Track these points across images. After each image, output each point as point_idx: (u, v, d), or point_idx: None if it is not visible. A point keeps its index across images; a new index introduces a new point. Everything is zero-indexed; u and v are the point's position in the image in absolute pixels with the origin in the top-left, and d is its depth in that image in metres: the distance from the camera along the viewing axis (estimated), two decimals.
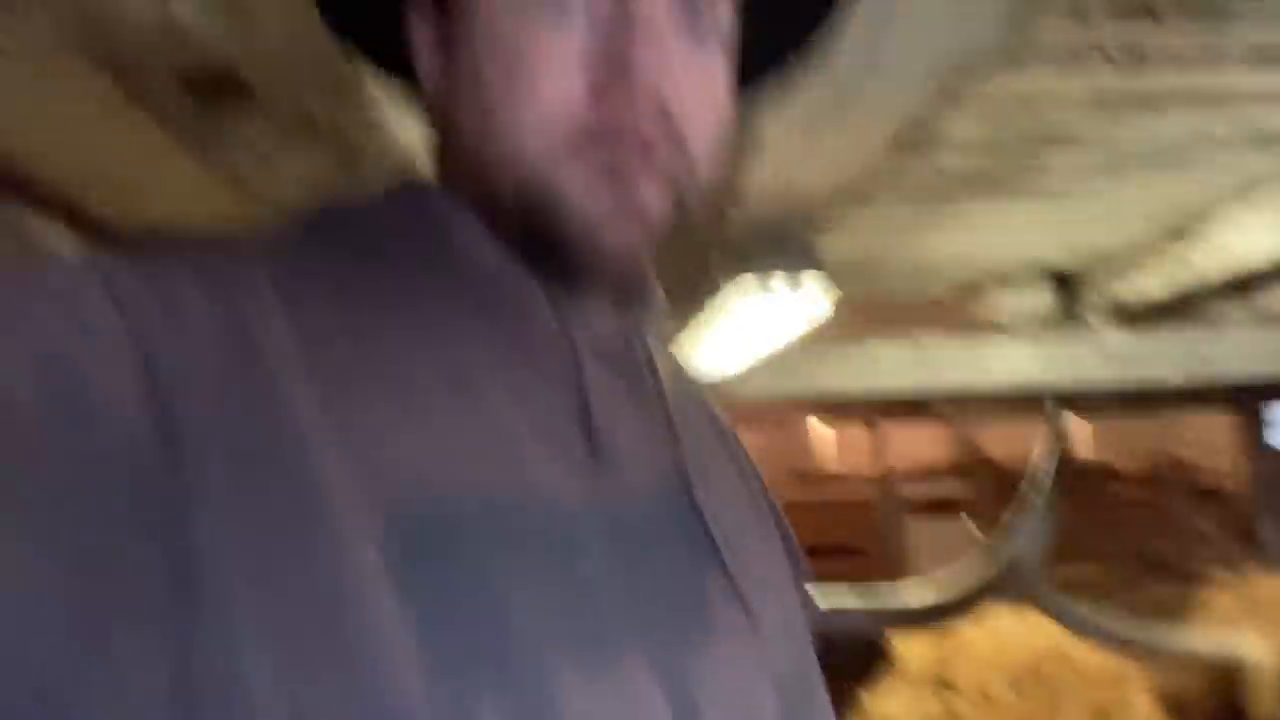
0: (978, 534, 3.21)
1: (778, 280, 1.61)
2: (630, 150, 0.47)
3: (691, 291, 1.93)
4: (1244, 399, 3.56)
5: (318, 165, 1.33)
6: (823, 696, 0.57)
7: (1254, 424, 3.67)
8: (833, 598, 2.08)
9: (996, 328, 2.96)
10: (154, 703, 0.35)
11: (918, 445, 6.18)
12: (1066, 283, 2.78)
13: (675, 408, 0.54)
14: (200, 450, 0.37)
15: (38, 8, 0.95)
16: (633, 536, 0.47)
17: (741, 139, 1.41)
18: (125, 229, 2.13)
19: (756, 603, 0.51)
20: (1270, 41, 1.39)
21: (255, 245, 0.48)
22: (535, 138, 0.46)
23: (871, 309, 3.30)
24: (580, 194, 0.46)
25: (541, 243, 0.48)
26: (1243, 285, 2.46)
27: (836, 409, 5.00)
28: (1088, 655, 2.54)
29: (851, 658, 2.28)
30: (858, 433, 6.05)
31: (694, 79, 0.49)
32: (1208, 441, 4.32)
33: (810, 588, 0.64)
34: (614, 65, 0.46)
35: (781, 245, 1.59)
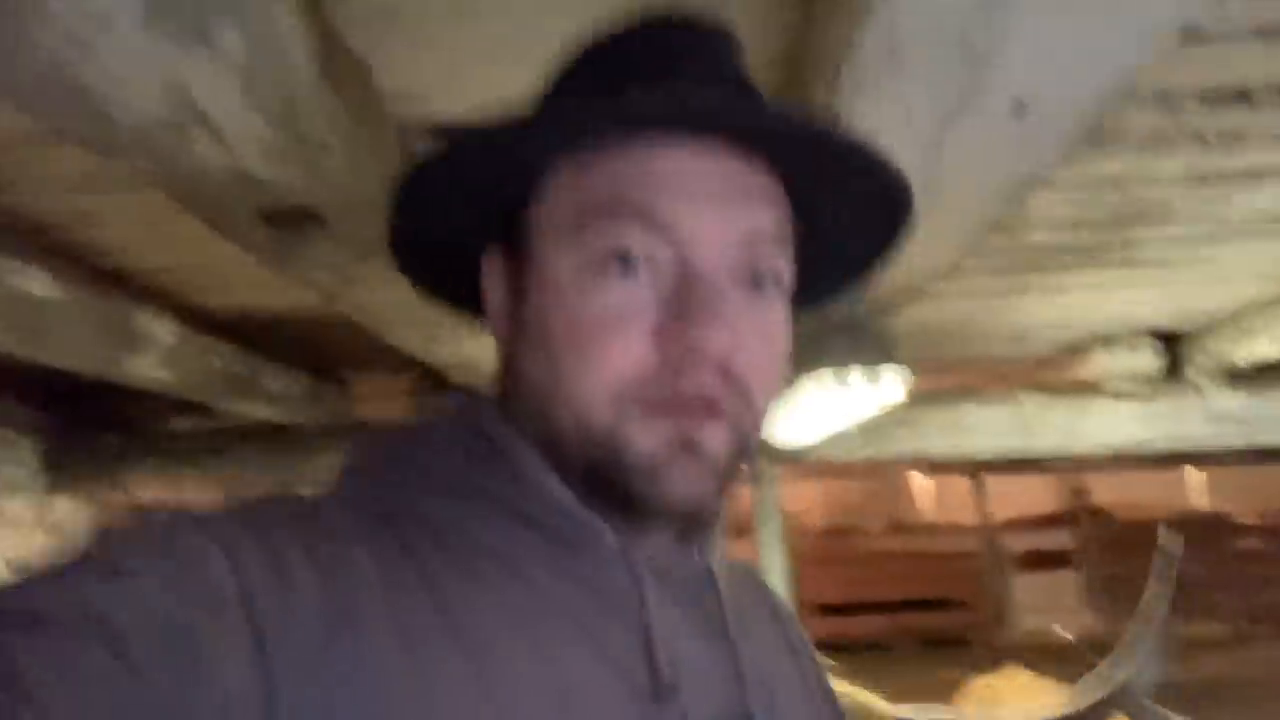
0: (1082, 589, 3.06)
1: (855, 375, 1.58)
2: (697, 412, 0.48)
3: None
4: None
5: (396, 277, 1.36)
6: None
7: None
8: None
9: (1099, 389, 2.86)
10: None
11: (1021, 495, 5.97)
12: (1172, 343, 2.67)
13: (733, 618, 0.54)
14: (298, 711, 0.40)
15: (123, 153, 0.99)
16: None
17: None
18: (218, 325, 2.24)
19: None
20: None
21: (334, 502, 0.50)
22: (605, 407, 0.48)
23: (973, 372, 3.23)
24: (649, 451, 0.48)
25: (606, 484, 0.49)
26: None
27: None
28: None
29: None
30: (959, 482, 5.88)
31: (754, 326, 0.49)
32: None
33: None
34: (680, 334, 0.46)
35: (858, 339, 1.55)
